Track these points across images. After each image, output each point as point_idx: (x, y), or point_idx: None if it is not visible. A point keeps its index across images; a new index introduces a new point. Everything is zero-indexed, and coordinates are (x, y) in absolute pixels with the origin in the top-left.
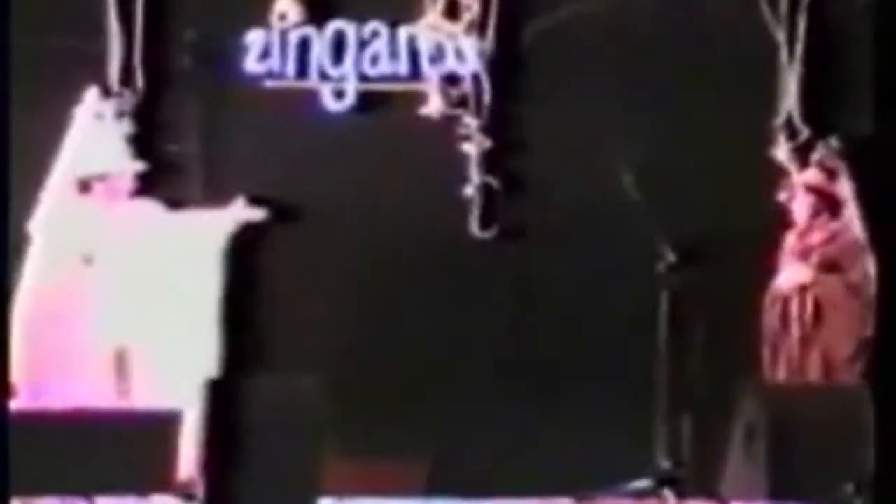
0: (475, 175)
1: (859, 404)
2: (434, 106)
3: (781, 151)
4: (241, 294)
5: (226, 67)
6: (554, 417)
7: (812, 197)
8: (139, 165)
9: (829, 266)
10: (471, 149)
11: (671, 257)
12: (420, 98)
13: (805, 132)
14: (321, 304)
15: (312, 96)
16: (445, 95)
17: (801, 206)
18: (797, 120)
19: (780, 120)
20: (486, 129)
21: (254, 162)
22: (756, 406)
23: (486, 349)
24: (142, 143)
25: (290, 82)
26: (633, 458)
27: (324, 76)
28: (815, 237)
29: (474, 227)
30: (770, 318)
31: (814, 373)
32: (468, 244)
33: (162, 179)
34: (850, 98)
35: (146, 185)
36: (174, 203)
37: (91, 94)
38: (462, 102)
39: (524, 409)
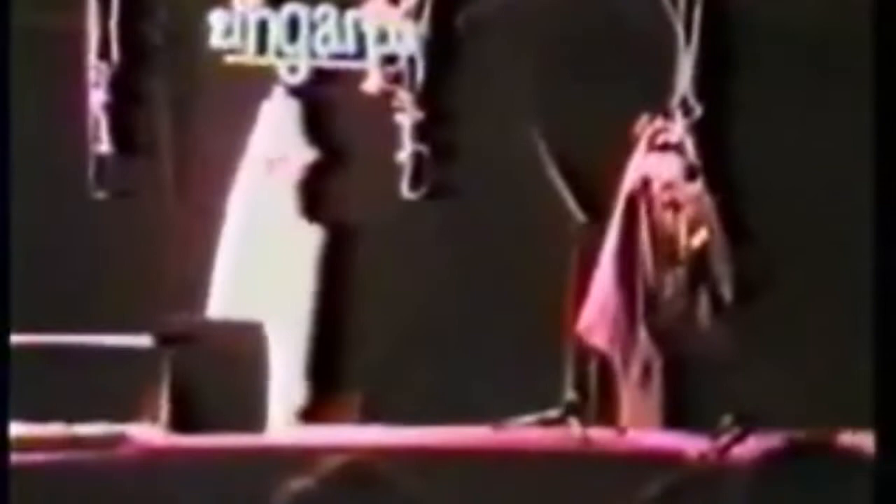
0: (408, 143)
1: (732, 346)
2: (374, 81)
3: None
4: None
5: (192, 45)
6: (476, 357)
7: (681, 159)
8: (310, 154)
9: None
10: (404, 120)
11: (581, 217)
12: (362, 74)
13: (698, 109)
14: None
15: (269, 71)
16: (384, 73)
17: (670, 164)
18: (691, 98)
19: (676, 98)
20: (419, 103)
21: (217, 127)
22: (651, 348)
23: (414, 295)
24: (116, 112)
25: (250, 58)
26: (545, 392)
27: (280, 53)
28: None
29: (405, 188)
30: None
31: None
32: (399, 203)
33: (136, 138)
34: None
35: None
36: None
37: (277, 93)
38: (398, 79)
39: (450, 349)
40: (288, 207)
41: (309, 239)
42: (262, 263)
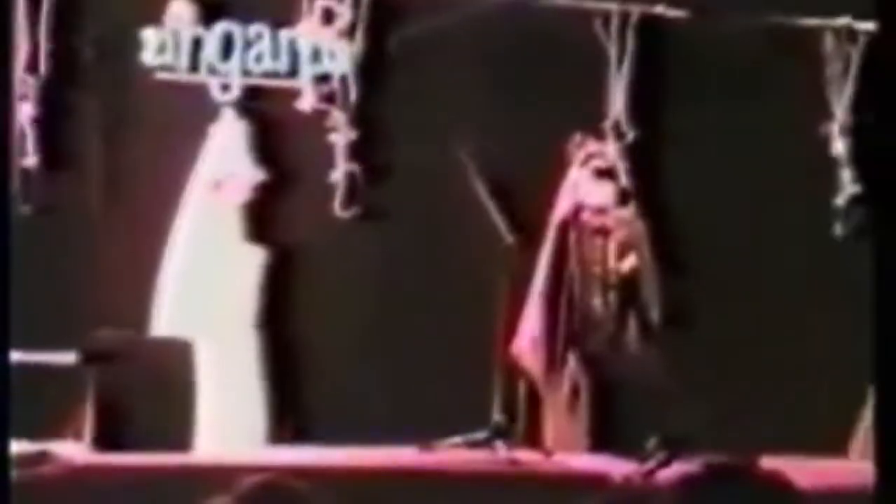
0: (341, 162)
1: (660, 371)
2: (307, 100)
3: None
4: None
5: (124, 60)
6: (403, 379)
7: (613, 183)
8: (259, 175)
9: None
10: (338, 139)
11: (509, 239)
12: (296, 93)
13: (631, 134)
14: None
15: (201, 88)
16: (317, 92)
17: (602, 190)
18: (624, 123)
19: (608, 122)
20: (352, 123)
21: (149, 143)
22: (579, 371)
23: (345, 314)
24: (44, 126)
25: (183, 75)
26: (473, 414)
27: (212, 71)
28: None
29: (337, 207)
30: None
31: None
32: (330, 224)
33: (64, 153)
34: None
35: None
36: None
37: (227, 115)
38: (331, 98)
39: (377, 370)
40: (233, 228)
41: (252, 259)
42: (208, 283)
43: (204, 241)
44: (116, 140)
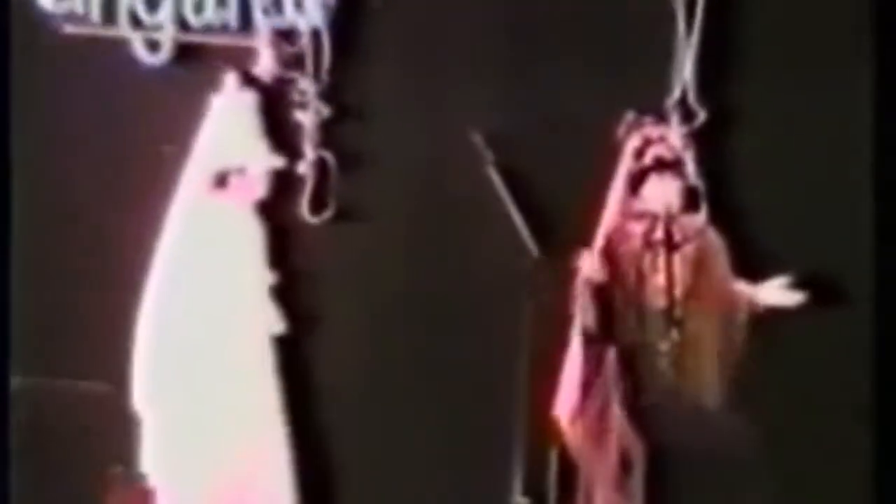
0: (309, 149)
1: (739, 436)
2: (265, 65)
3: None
4: None
5: (17, 7)
6: (395, 447)
7: (677, 181)
8: (277, 161)
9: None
10: (305, 118)
11: (535, 251)
12: (250, 55)
13: (701, 115)
14: None
15: (121, 46)
16: (279, 53)
17: (664, 189)
18: (692, 99)
19: (673, 98)
20: (325, 96)
21: (51, 123)
22: (632, 436)
23: (332, 346)
24: None
25: (96, 28)
26: (487, 496)
27: (136, 23)
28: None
29: (304, 209)
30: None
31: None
32: (299, 228)
33: None
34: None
35: None
36: None
37: (230, 80)
38: (298, 63)
39: (361, 441)
40: (250, 240)
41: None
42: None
43: (205, 259)
44: (7, 118)
